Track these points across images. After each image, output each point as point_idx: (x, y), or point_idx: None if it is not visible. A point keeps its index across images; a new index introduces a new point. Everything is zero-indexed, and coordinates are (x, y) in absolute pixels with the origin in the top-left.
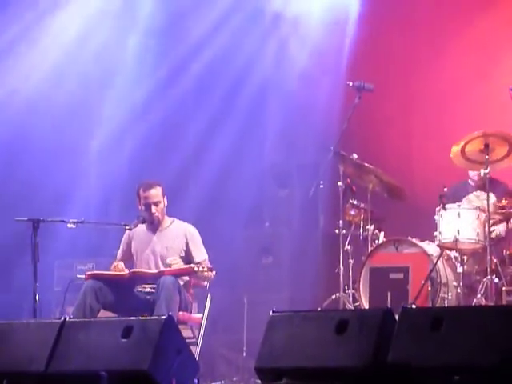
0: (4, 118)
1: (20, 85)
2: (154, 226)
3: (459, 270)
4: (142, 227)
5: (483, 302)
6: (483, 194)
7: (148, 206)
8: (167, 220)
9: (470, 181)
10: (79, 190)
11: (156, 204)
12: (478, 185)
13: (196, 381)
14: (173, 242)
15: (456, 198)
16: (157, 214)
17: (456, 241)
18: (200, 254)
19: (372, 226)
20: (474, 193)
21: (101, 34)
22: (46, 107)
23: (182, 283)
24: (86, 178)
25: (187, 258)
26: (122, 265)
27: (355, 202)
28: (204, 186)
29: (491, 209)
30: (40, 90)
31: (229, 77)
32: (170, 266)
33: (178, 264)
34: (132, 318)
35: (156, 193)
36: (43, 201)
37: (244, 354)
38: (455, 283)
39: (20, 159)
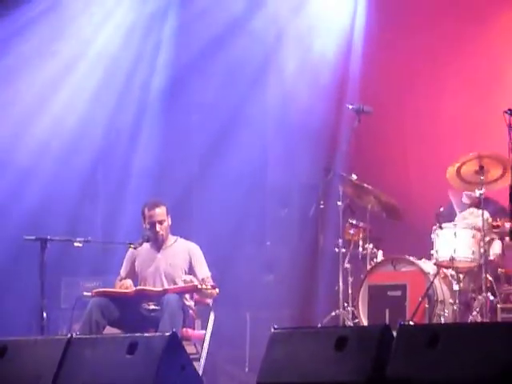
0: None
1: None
2: (158, 244)
3: (455, 287)
4: (146, 245)
5: (479, 319)
6: (476, 211)
7: (153, 225)
8: (171, 238)
9: (463, 199)
10: (86, 210)
11: (160, 222)
12: (471, 204)
13: None
14: (176, 260)
15: (452, 216)
16: (161, 233)
17: (452, 259)
18: (203, 271)
19: (371, 245)
20: (468, 210)
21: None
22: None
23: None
24: (93, 198)
25: (190, 275)
26: (129, 282)
27: (354, 222)
28: (207, 204)
29: (485, 226)
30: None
31: (233, 97)
32: (188, 281)
33: (191, 281)
34: (137, 334)
35: (160, 212)
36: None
37: (246, 370)
38: (451, 300)
39: (32, 178)
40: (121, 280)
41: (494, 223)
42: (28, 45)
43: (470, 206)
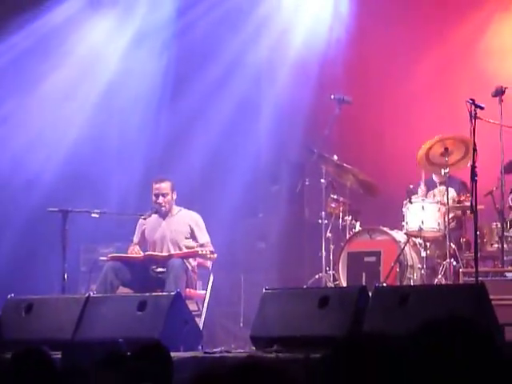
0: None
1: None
2: (163, 214)
3: (423, 254)
4: (155, 216)
5: (443, 282)
6: (444, 189)
7: (157, 197)
8: (175, 208)
9: (433, 177)
10: (103, 184)
11: (164, 195)
12: (441, 182)
13: (200, 347)
14: (180, 226)
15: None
16: (163, 204)
17: (420, 229)
18: (203, 236)
19: (349, 217)
20: (439, 187)
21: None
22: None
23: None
24: (108, 174)
25: (192, 240)
26: (138, 248)
27: (335, 197)
28: (208, 181)
29: (451, 202)
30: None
31: (232, 88)
32: (190, 247)
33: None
34: (146, 293)
35: (165, 186)
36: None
37: (241, 325)
38: (420, 265)
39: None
40: (133, 246)
41: (458, 199)
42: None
43: (440, 184)
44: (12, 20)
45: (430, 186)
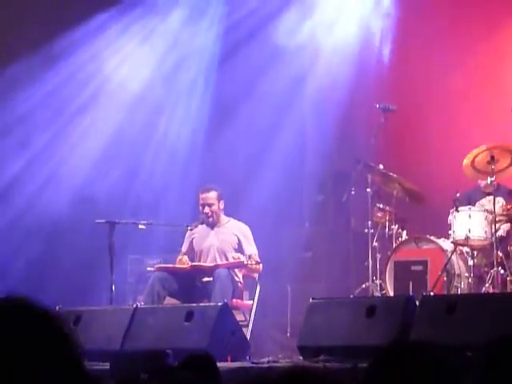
0: None
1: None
2: (212, 223)
3: (470, 262)
4: (203, 226)
5: (491, 290)
6: (493, 198)
7: (203, 207)
8: (224, 219)
9: (480, 187)
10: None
11: (210, 205)
12: (489, 191)
13: (247, 357)
14: (228, 237)
15: (469, 202)
16: (209, 214)
17: (467, 238)
18: (250, 248)
19: (396, 226)
20: (487, 197)
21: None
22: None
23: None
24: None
25: (239, 251)
26: (186, 258)
27: (381, 206)
28: (254, 191)
29: (498, 211)
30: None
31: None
32: (236, 258)
33: (239, 258)
34: (193, 304)
35: (211, 196)
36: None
37: (288, 335)
38: (467, 274)
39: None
40: (181, 256)
41: (506, 207)
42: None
43: (489, 194)
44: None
45: (477, 196)
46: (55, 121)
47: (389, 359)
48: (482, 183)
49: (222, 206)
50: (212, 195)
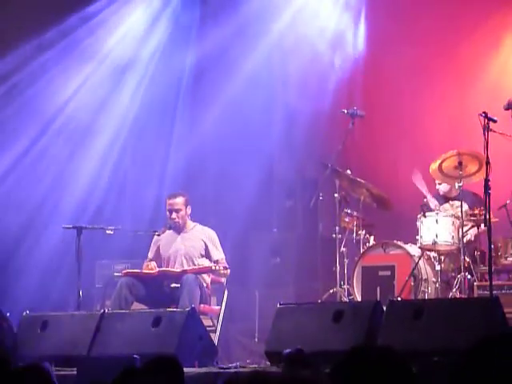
0: None
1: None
2: (178, 229)
3: (437, 268)
4: (170, 231)
5: (458, 295)
6: (457, 203)
7: (170, 212)
8: (190, 224)
9: (441, 192)
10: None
11: (177, 211)
12: (449, 196)
13: (215, 363)
14: (194, 242)
15: (430, 209)
16: (177, 220)
17: (434, 243)
18: (217, 253)
19: (363, 231)
20: (450, 202)
21: None
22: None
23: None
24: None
25: (206, 256)
26: (153, 264)
27: (349, 211)
28: (222, 196)
29: (464, 216)
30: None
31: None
32: (203, 263)
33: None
34: (160, 309)
35: (178, 201)
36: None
37: (256, 340)
38: (434, 279)
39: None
40: (148, 262)
41: (472, 212)
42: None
43: (453, 199)
44: None
45: (438, 200)
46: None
47: (350, 364)
48: (440, 189)
49: (189, 211)
50: (179, 201)
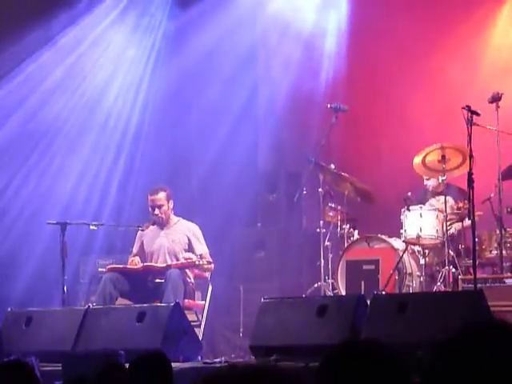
0: None
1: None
2: (162, 224)
3: (422, 261)
4: (153, 227)
5: (442, 289)
6: (442, 198)
7: (153, 209)
8: (174, 219)
9: (427, 186)
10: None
11: (159, 207)
12: (437, 191)
13: (200, 357)
14: (178, 237)
15: (418, 202)
16: (160, 216)
17: (419, 237)
18: (201, 247)
19: (347, 226)
20: (436, 197)
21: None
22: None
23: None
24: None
25: (190, 251)
26: (137, 259)
27: (333, 205)
28: (205, 191)
29: (449, 210)
30: None
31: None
32: (187, 258)
33: (190, 258)
34: (145, 304)
35: (160, 197)
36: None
37: (241, 335)
38: (418, 273)
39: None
40: (132, 257)
41: (457, 206)
42: None
43: (438, 193)
44: None
45: (426, 197)
46: None
47: (339, 358)
48: (429, 184)
49: (171, 205)
50: (161, 196)
